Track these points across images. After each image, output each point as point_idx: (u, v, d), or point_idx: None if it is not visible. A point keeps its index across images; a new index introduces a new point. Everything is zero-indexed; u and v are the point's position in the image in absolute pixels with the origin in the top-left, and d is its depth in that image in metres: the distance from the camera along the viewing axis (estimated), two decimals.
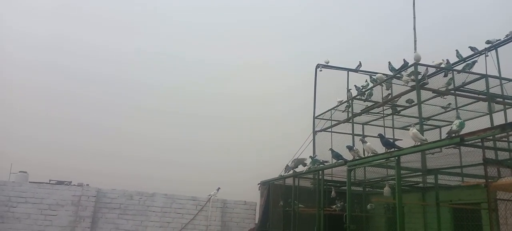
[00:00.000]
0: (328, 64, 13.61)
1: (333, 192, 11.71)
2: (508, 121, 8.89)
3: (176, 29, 25.75)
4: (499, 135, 6.62)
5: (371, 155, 8.03)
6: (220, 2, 27.07)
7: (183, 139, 20.02)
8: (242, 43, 25.07)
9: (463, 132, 6.27)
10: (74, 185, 12.89)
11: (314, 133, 13.43)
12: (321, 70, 13.70)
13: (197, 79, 23.37)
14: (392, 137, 12.09)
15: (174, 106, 21.80)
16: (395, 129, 12.44)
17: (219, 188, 13.51)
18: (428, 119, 11.53)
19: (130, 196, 12.86)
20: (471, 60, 10.27)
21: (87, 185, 12.95)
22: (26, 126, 19.49)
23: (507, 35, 9.95)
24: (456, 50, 11.23)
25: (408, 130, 7.42)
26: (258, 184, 14.49)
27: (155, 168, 17.94)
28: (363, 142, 8.70)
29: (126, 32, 24.62)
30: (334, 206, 11.29)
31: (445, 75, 9.89)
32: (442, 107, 10.85)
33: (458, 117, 6.29)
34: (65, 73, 21.65)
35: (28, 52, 21.77)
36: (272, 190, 13.64)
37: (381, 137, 8.28)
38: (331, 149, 10.42)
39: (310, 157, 11.55)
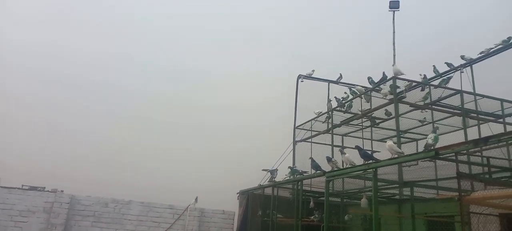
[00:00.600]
0: (311, 75, 13.71)
1: (311, 203, 11.73)
2: (482, 136, 9.13)
3: (161, 36, 25.52)
4: (472, 149, 6.78)
5: (350, 166, 8.09)
6: (208, 10, 27.09)
7: (162, 146, 19.67)
8: (228, 52, 25.09)
9: (438, 145, 6.40)
10: (48, 191, 12.48)
11: (294, 143, 13.46)
12: (302, 81, 13.80)
13: (179, 87, 23.14)
14: (370, 149, 12.24)
15: (154, 113, 21.48)
16: (373, 141, 12.59)
17: (197, 198, 13.35)
18: (405, 131, 11.74)
19: (105, 203, 12.53)
20: (447, 76, 10.55)
21: (62, 191, 12.56)
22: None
23: (481, 52, 10.28)
24: (433, 66, 11.52)
25: (386, 142, 7.53)
26: (237, 193, 14.39)
27: (133, 175, 17.56)
28: (342, 153, 8.78)
29: (107, 38, 24.26)
30: (312, 217, 11.30)
31: (423, 90, 10.12)
32: (419, 121, 11.07)
33: (433, 131, 6.42)
34: (39, 77, 21.05)
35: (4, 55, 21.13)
36: (251, 199, 13.56)
37: (359, 148, 8.37)
38: (311, 159, 10.47)
39: (289, 167, 11.57)
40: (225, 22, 26.47)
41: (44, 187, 12.77)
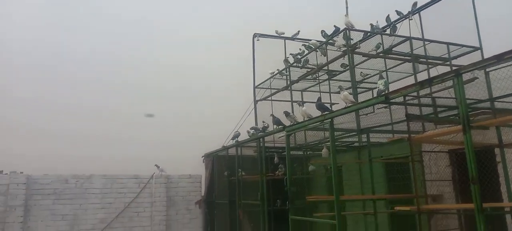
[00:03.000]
0: (281, 33, 13.47)
1: (276, 158, 12.03)
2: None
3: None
4: (420, 91, 7.06)
5: (307, 119, 8.25)
6: None
7: (123, 113, 18.71)
8: (192, 15, 24.17)
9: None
10: (6, 173, 11.88)
11: (255, 102, 13.51)
12: (258, 40, 13.65)
13: (138, 47, 21.90)
14: (329, 101, 12.53)
15: (111, 76, 20.16)
16: (331, 94, 12.86)
17: (157, 165, 13.26)
18: (361, 82, 12.05)
19: (65, 180, 12.16)
20: (392, 25, 10.79)
21: (22, 172, 11.97)
22: None
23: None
24: (388, 15, 11.69)
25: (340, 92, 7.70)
26: (202, 156, 14.44)
27: (94, 148, 16.87)
28: (300, 105, 8.93)
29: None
30: (277, 171, 11.63)
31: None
32: (362, 75, 11.30)
33: (381, 77, 6.62)
34: None
35: None
36: (216, 161, 13.71)
37: (317, 100, 8.55)
38: (272, 115, 10.60)
39: (251, 128, 11.72)
40: None
41: (2, 171, 12.16)
